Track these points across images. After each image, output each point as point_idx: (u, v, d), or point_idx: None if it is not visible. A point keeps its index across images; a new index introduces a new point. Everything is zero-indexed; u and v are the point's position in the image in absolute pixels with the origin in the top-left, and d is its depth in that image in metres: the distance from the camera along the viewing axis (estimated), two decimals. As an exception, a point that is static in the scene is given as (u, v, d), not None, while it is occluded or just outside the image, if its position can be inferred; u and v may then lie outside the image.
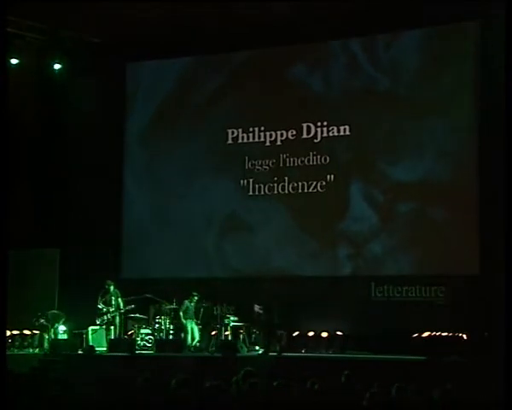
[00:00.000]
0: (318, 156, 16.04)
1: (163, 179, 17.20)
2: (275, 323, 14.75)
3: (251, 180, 16.54)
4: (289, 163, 16.28)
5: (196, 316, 15.32)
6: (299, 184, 16.12)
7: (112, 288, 15.63)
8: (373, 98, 15.69)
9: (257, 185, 16.49)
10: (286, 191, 16.23)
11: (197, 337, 15.25)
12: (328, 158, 15.98)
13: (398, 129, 15.47)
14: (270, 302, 14.79)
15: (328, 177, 15.94)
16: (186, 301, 15.28)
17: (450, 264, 14.76)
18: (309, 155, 16.12)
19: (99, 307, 15.57)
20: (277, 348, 14.64)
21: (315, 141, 16.15)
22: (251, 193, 16.53)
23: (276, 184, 16.32)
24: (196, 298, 15.28)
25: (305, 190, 16.06)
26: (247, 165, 16.60)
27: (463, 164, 14.91)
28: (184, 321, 15.21)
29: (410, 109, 15.39)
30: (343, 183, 15.85)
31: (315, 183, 15.99)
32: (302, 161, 16.17)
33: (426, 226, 15.08)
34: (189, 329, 15.19)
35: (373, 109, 15.64)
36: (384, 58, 15.70)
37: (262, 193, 16.44)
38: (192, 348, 15.08)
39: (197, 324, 15.31)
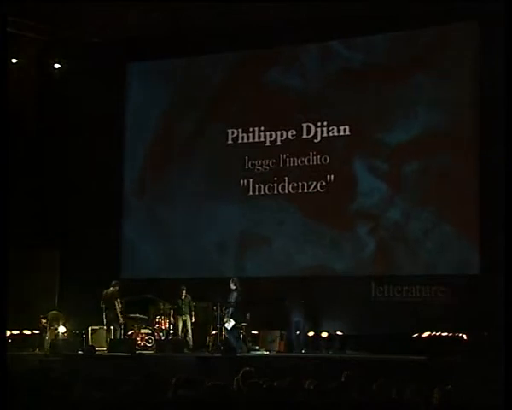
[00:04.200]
0: (318, 156, 16.06)
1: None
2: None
3: (251, 180, 16.54)
4: (289, 163, 16.29)
5: (190, 310, 15.38)
6: (299, 184, 16.12)
7: None
8: (356, 75, 15.84)
9: (257, 185, 16.50)
10: (286, 191, 16.23)
11: (190, 331, 15.28)
12: (328, 158, 15.99)
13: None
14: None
15: (328, 177, 15.94)
16: (178, 301, 15.35)
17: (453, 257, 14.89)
18: (309, 155, 16.13)
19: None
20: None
21: (315, 141, 16.17)
22: (251, 193, 16.54)
23: (276, 184, 16.32)
24: (184, 292, 15.30)
25: (305, 191, 16.06)
26: (247, 165, 16.61)
27: (458, 111, 14.98)
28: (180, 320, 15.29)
29: (393, 73, 15.55)
30: (345, 166, 15.84)
31: (315, 183, 16.00)
32: (302, 161, 16.18)
33: (436, 179, 15.12)
34: (181, 326, 15.24)
35: (359, 87, 15.80)
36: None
37: (262, 193, 16.45)
38: (190, 349, 15.13)
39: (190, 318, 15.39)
